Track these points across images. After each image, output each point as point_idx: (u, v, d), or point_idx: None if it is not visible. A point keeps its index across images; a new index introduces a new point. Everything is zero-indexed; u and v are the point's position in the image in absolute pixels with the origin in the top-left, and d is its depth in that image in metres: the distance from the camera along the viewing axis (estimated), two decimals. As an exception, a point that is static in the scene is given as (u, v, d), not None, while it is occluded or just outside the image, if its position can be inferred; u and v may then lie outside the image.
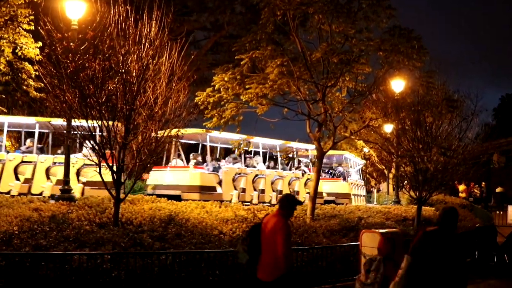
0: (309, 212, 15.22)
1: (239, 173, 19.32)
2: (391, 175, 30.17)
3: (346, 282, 11.89)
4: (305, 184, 22.08)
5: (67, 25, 12.01)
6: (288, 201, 7.08)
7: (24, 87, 18.04)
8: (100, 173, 11.21)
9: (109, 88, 10.92)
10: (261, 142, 20.99)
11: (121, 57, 10.94)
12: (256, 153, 22.30)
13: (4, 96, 18.22)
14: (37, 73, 14.92)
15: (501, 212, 28.59)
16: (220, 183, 18.79)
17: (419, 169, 16.73)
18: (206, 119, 16.76)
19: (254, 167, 20.75)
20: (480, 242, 17.03)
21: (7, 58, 17.19)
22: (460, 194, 34.29)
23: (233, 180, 19.12)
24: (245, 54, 15.77)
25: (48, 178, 16.48)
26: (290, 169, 22.88)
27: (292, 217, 14.83)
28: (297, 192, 21.32)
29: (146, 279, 9.41)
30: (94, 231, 10.49)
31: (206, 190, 17.96)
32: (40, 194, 15.72)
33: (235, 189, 19.00)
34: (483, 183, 37.68)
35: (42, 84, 13.17)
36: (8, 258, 8.71)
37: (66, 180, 13.59)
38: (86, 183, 16.24)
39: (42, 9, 11.50)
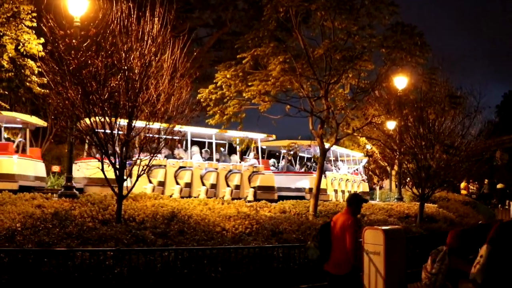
0: (312, 209, 15.22)
1: (158, 165, 17.81)
2: (393, 172, 30.15)
3: (348, 279, 11.88)
4: (250, 177, 20.31)
5: (69, 22, 12.01)
6: (355, 200, 7.86)
7: (27, 84, 18.02)
8: (102, 170, 11.23)
9: (111, 85, 10.94)
10: (189, 131, 19.13)
11: (123, 54, 10.94)
12: (194, 143, 20.71)
13: (7, 92, 18.19)
14: (40, 69, 14.93)
15: (502, 208, 28.64)
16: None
17: (421, 166, 16.73)
18: (209, 116, 16.78)
19: (181, 158, 19.19)
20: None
21: (10, 55, 17.17)
22: (462, 191, 34.31)
23: (148, 173, 17.42)
24: (247, 52, 15.77)
25: None
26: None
27: (294, 213, 14.87)
28: (237, 187, 19.67)
29: (149, 276, 9.43)
30: (97, 227, 10.51)
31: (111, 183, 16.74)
32: None
33: (150, 182, 17.64)
34: (486, 180, 37.70)
35: (45, 80, 13.18)
36: (11, 255, 8.73)
37: (68, 177, 13.61)
38: None
39: (44, 6, 11.51)
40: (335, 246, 7.54)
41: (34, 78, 17.98)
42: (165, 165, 18.30)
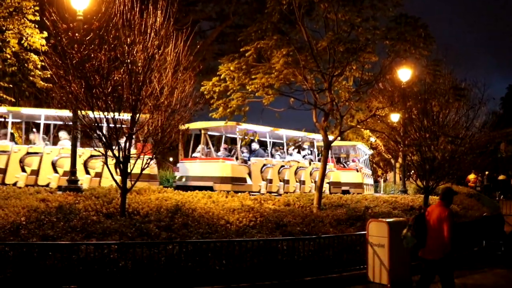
0: (316, 201, 15.21)
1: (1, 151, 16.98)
2: (398, 165, 30.13)
3: (352, 272, 11.89)
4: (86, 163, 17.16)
5: (72, 16, 11.99)
6: (448, 193, 8.86)
7: (31, 78, 18.06)
8: (106, 163, 11.23)
9: (115, 78, 10.91)
10: (43, 113, 17.42)
11: (126, 47, 10.92)
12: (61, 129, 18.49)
13: (11, 86, 18.24)
14: (43, 63, 14.95)
15: (500, 199, 28.64)
16: None
17: (426, 158, 16.68)
18: (212, 110, 16.77)
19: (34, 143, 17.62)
20: (488, 231, 17.02)
21: (13, 49, 17.21)
22: (470, 184, 34.24)
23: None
24: (250, 44, 15.73)
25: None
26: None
27: (298, 206, 14.83)
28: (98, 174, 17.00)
29: (153, 269, 9.44)
30: (101, 221, 10.52)
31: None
32: None
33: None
34: (486, 172, 37.74)
35: (49, 74, 13.20)
36: (15, 249, 8.76)
37: (72, 171, 13.62)
38: None
39: (47, 0, 11.49)
40: (430, 235, 8.53)
41: (37, 72, 18.02)
42: (5, 151, 17.00)
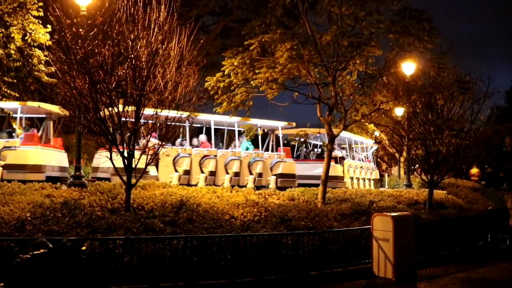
0: (320, 196, 15.20)
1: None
2: (402, 159, 30.05)
3: (358, 266, 11.90)
4: None
5: (76, 11, 11.99)
6: None
7: (36, 73, 18.06)
8: (111, 159, 11.24)
9: (118, 73, 10.93)
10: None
11: (130, 43, 10.92)
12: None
13: (15, 81, 18.23)
14: (47, 58, 14.95)
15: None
16: None
17: (430, 152, 16.66)
18: (216, 104, 16.75)
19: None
20: (492, 225, 17.00)
21: (17, 45, 17.21)
22: (473, 178, 34.24)
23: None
24: (254, 38, 15.69)
25: None
26: None
27: (303, 201, 14.85)
28: None
29: (158, 264, 9.47)
30: (106, 216, 10.54)
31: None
32: None
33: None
34: (487, 166, 37.84)
35: (53, 69, 13.23)
36: (21, 244, 8.77)
37: (77, 166, 13.64)
38: None
39: (51, -5, 11.47)
40: None
41: (41, 67, 18.01)
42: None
